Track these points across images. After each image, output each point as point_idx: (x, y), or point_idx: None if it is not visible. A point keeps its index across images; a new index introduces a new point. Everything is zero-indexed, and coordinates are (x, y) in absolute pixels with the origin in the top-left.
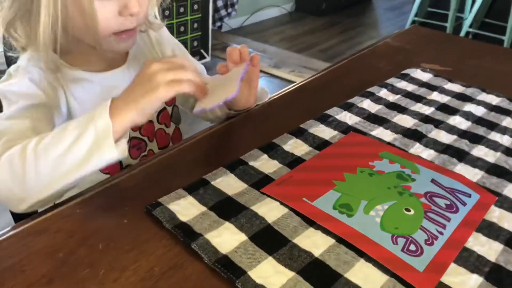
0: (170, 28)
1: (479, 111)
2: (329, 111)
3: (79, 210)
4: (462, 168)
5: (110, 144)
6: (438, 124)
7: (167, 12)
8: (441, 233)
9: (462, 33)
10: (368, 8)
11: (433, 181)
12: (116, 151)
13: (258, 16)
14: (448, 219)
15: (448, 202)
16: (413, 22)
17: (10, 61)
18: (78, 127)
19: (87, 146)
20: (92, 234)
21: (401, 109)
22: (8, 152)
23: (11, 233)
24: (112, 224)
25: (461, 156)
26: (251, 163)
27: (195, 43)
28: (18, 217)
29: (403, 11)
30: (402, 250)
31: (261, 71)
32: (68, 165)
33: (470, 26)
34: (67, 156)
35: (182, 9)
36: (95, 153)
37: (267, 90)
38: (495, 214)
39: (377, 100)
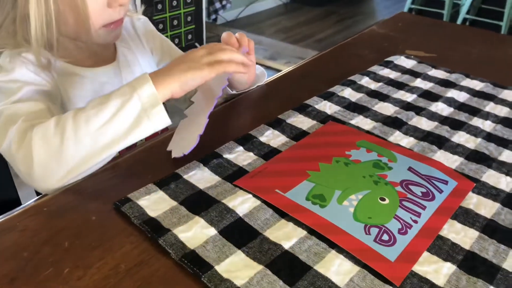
0: (163, 22)
1: (461, 96)
2: (309, 101)
3: (46, 208)
4: (441, 155)
5: (160, 111)
6: (419, 111)
7: (160, 6)
8: (416, 222)
9: (459, 20)
10: None
11: (410, 169)
12: (167, 118)
13: (253, 8)
14: (424, 207)
15: (424, 190)
16: (410, 10)
17: None
18: (119, 96)
19: (133, 114)
20: (58, 232)
21: (383, 97)
22: (37, 128)
23: None
24: (79, 222)
25: (441, 143)
26: (225, 156)
27: (189, 37)
28: None
29: None
30: (375, 240)
31: (257, 63)
32: (112, 135)
33: (467, 13)
34: (111, 125)
35: (175, 3)
36: (143, 120)
37: (265, 72)
38: (472, 201)
39: (359, 88)
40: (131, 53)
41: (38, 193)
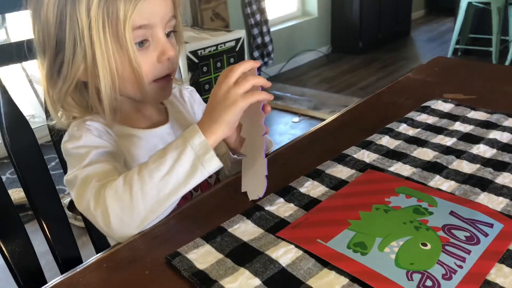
0: (209, 82)
1: (504, 137)
2: (347, 151)
3: (105, 264)
4: (485, 198)
5: (212, 157)
6: (460, 154)
7: (205, 69)
8: (461, 267)
9: (509, 57)
10: (407, 42)
11: (451, 213)
12: (219, 161)
13: (294, 62)
14: (468, 252)
15: (468, 234)
16: (455, 50)
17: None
18: (175, 149)
19: (189, 163)
20: (116, 286)
21: (421, 143)
22: (108, 187)
23: None
24: (134, 276)
25: (484, 185)
26: (267, 208)
27: None
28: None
29: (444, 40)
30: (418, 286)
31: (301, 114)
32: (173, 183)
33: None
34: (172, 174)
35: (219, 64)
36: (198, 167)
37: (271, 140)
38: None
39: (396, 135)
40: (182, 117)
41: (97, 252)
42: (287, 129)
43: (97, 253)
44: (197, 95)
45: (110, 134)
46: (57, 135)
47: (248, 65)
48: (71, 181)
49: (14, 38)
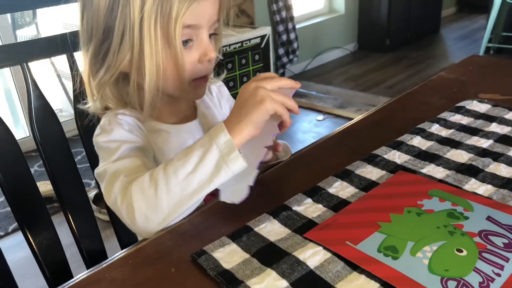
0: (233, 79)
1: None
2: (377, 151)
3: (131, 260)
4: None
5: (237, 156)
6: (497, 157)
7: (230, 65)
8: (499, 275)
9: None
10: (436, 39)
11: (488, 218)
12: (243, 161)
13: (320, 59)
14: (507, 259)
15: (506, 241)
16: (487, 48)
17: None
18: (200, 147)
19: (214, 161)
20: (142, 283)
21: (455, 144)
22: (135, 182)
23: (72, 283)
24: (160, 273)
25: None
26: (294, 208)
27: None
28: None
29: (475, 38)
30: None
31: (326, 112)
32: (198, 182)
33: None
34: (196, 173)
35: (244, 61)
36: (222, 166)
37: (290, 147)
38: None
39: (428, 136)
40: (210, 112)
41: (122, 246)
42: (311, 127)
43: (121, 247)
44: (226, 90)
45: (141, 129)
46: (86, 119)
47: (287, 82)
48: (101, 175)
49: (44, 34)
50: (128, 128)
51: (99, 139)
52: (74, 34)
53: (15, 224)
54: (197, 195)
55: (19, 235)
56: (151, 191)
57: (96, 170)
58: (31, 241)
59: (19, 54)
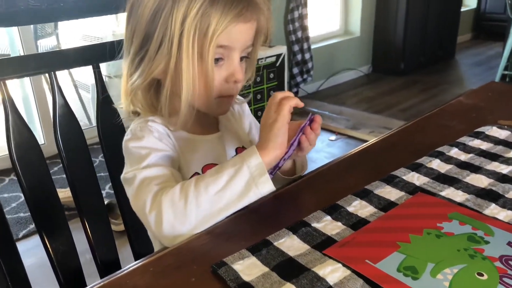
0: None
1: None
2: (396, 172)
3: (152, 268)
4: None
5: (267, 180)
6: None
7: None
8: None
9: None
10: (451, 65)
11: (509, 244)
12: (272, 185)
13: (334, 80)
14: None
15: None
16: (503, 76)
17: None
18: (232, 166)
19: (244, 182)
20: None
21: (474, 168)
22: (165, 193)
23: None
24: (180, 282)
25: None
26: (314, 225)
27: None
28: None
29: (490, 65)
30: None
31: (339, 133)
32: (226, 200)
33: None
34: (226, 191)
35: (258, 79)
36: (252, 187)
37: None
38: None
39: (447, 159)
40: (231, 127)
41: (135, 257)
42: (323, 147)
43: (135, 257)
44: (247, 107)
45: (170, 137)
46: (117, 119)
47: (294, 102)
48: (129, 180)
49: (64, 44)
50: (158, 136)
51: (129, 144)
52: (99, 46)
53: (25, 231)
54: (225, 212)
55: (29, 242)
56: (181, 203)
57: (124, 175)
58: (48, 246)
59: (48, 63)
